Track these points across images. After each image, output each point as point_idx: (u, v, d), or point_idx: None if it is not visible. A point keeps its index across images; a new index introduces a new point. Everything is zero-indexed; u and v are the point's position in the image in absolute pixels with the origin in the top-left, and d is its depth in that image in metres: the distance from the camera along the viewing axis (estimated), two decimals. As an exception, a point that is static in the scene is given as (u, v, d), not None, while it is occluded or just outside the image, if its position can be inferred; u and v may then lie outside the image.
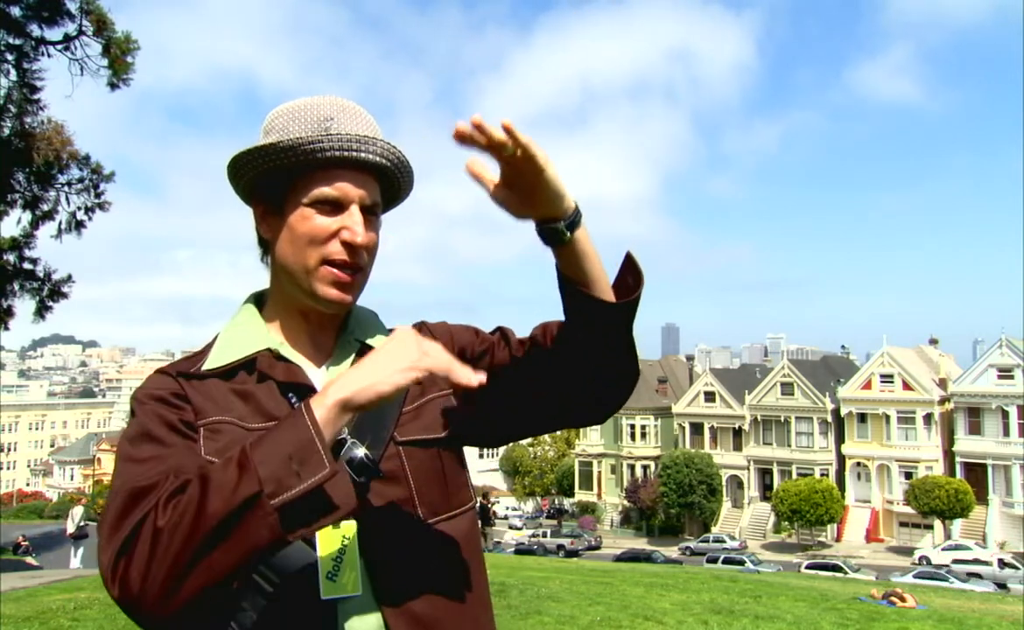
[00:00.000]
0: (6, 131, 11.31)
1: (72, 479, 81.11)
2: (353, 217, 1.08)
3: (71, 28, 11.29)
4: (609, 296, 1.11)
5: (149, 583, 0.84)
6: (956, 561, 34.01)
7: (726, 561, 34.61)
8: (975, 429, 41.75)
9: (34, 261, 12.36)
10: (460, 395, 1.19)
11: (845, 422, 45.15)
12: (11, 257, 12.12)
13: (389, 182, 1.16)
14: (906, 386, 43.41)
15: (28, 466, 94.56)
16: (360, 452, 1.03)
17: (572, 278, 1.09)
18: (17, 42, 11.11)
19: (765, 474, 47.63)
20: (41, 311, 12.36)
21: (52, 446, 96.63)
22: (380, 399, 0.92)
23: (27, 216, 12.02)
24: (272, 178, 1.10)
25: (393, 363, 0.94)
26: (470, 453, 1.65)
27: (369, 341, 1.20)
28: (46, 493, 74.17)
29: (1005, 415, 40.60)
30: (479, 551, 1.19)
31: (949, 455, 42.51)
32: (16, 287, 12.20)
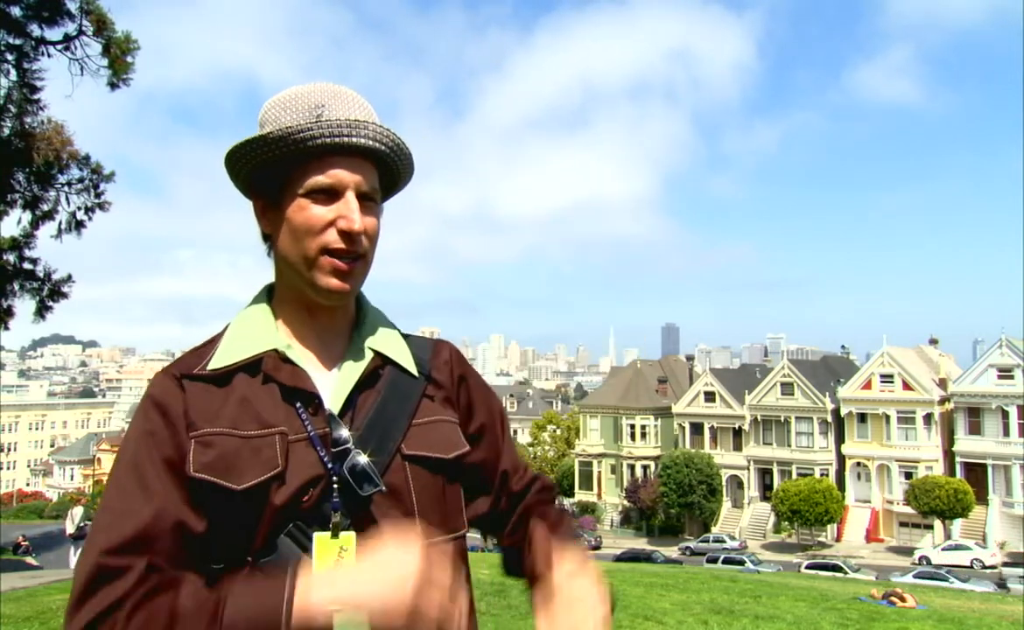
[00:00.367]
0: (6, 131, 11.30)
1: (72, 479, 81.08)
2: (349, 204, 1.06)
3: (71, 28, 11.28)
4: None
5: None
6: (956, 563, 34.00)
7: (726, 561, 34.61)
8: (975, 429, 41.72)
9: (34, 261, 12.34)
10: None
11: (845, 422, 45.13)
12: (11, 257, 12.10)
13: (387, 168, 1.13)
14: (906, 386, 43.40)
15: (28, 466, 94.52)
16: (363, 460, 1.03)
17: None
18: (17, 42, 11.09)
19: (765, 474, 47.62)
20: (41, 311, 12.35)
21: (52, 446, 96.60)
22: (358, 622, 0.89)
23: (27, 216, 12.01)
24: (267, 171, 1.08)
25: (390, 600, 0.87)
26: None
27: (381, 349, 1.16)
28: (46, 493, 74.16)
29: (1005, 415, 40.58)
30: (467, 579, 1.17)
31: (949, 455, 42.49)
32: (16, 287, 12.18)
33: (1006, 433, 40.46)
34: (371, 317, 1.20)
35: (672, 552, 41.02)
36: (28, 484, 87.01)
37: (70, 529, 18.53)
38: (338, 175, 1.06)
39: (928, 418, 42.80)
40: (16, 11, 11.00)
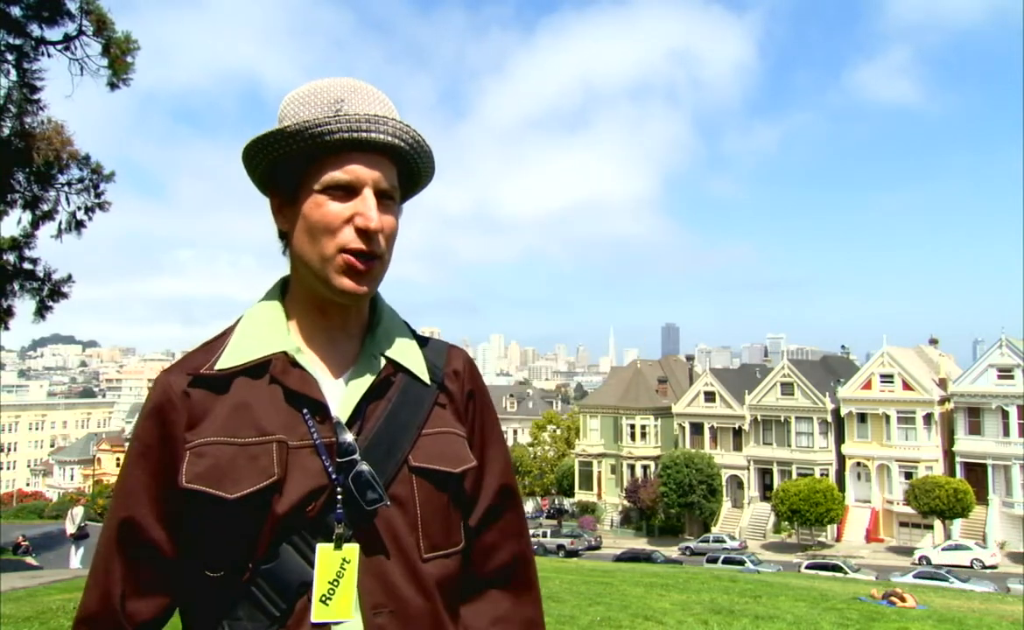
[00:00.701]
0: (6, 131, 11.30)
1: (72, 479, 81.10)
2: (366, 201, 1.03)
3: (71, 28, 11.28)
4: None
5: None
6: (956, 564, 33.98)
7: (726, 561, 34.60)
8: (975, 429, 41.72)
9: (34, 261, 12.34)
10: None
11: (845, 422, 45.12)
12: (11, 257, 12.10)
13: (406, 165, 1.10)
14: (906, 386, 43.40)
15: (28, 466, 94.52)
16: (367, 471, 1.02)
17: None
18: (17, 42, 11.08)
19: (765, 474, 47.61)
20: (41, 311, 12.34)
21: (52, 446, 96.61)
22: None
23: (27, 216, 12.00)
24: (285, 166, 1.06)
25: None
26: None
27: (394, 356, 1.13)
28: (46, 493, 74.14)
29: (1005, 415, 40.57)
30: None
31: (949, 455, 42.48)
32: (16, 287, 12.17)
33: (1006, 433, 40.45)
34: (385, 320, 1.17)
35: (672, 552, 41.01)
36: (28, 484, 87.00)
37: (70, 529, 18.52)
38: (356, 171, 1.03)
39: (928, 418, 42.79)
40: (16, 11, 10.99)
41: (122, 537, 1.05)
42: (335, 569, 1.00)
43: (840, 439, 45.44)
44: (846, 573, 30.63)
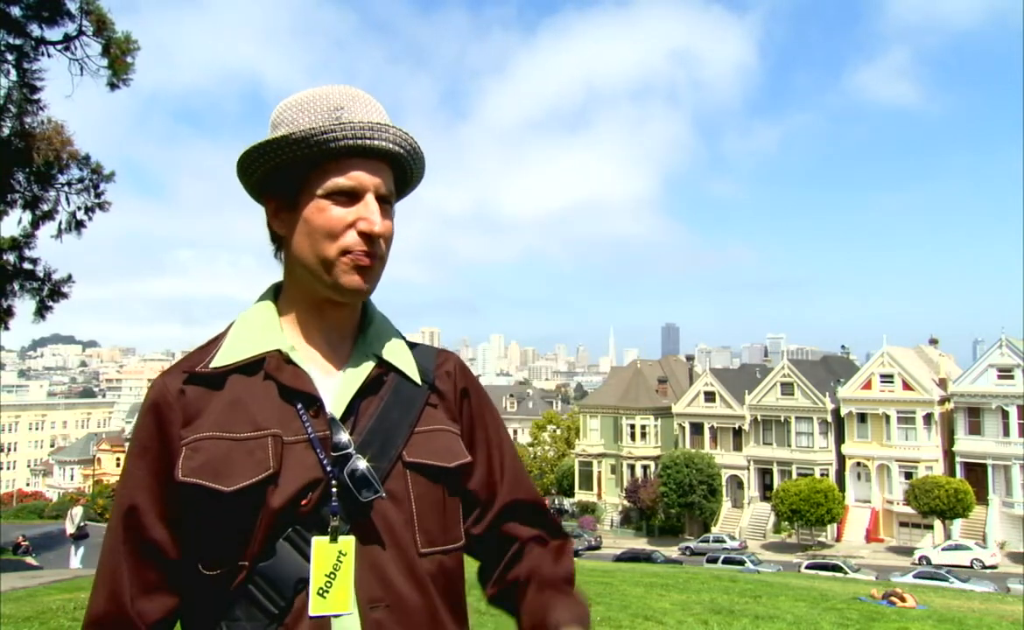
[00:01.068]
0: (6, 131, 11.30)
1: (72, 479, 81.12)
2: (369, 206, 1.07)
3: (71, 28, 11.28)
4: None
5: None
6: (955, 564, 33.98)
7: (726, 561, 34.61)
8: (975, 429, 41.72)
9: (34, 261, 12.34)
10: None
11: (845, 422, 45.13)
12: (11, 257, 12.10)
13: (401, 170, 1.14)
14: (906, 386, 43.40)
15: (28, 466, 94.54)
16: (362, 465, 1.02)
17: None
18: (17, 42, 11.08)
19: (765, 474, 47.61)
20: (41, 311, 12.34)
21: (52, 446, 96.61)
22: None
23: (27, 216, 12.00)
24: (284, 172, 1.08)
25: None
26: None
27: (386, 356, 1.15)
28: (46, 493, 74.17)
29: (1005, 415, 40.58)
30: (463, 590, 1.16)
31: (949, 455, 42.49)
32: (16, 287, 12.18)
33: (1006, 433, 40.46)
34: (376, 323, 1.20)
35: (672, 552, 41.02)
36: (28, 484, 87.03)
37: (70, 529, 18.50)
38: (359, 177, 1.07)
39: (928, 418, 42.80)
40: (16, 11, 11.00)
41: (127, 529, 1.06)
42: (331, 562, 1.00)
43: (840, 439, 45.44)
44: (846, 573, 30.65)
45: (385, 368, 1.14)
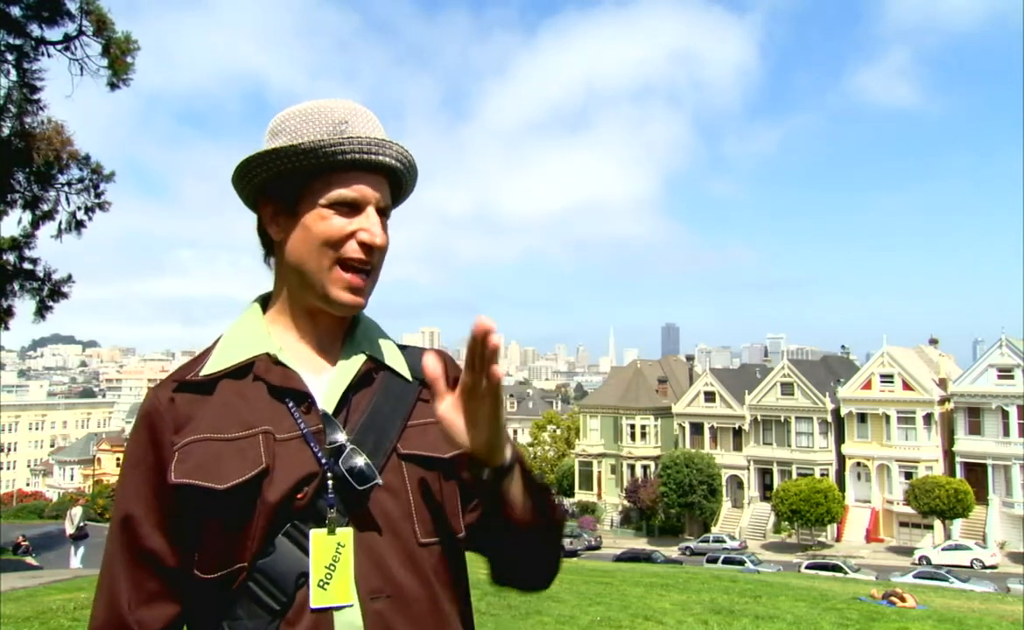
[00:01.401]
0: (6, 131, 11.30)
1: (72, 479, 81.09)
2: (370, 218, 1.11)
3: (71, 28, 11.29)
4: (528, 521, 1.12)
5: None
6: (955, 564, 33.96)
7: (726, 561, 34.61)
8: (975, 429, 41.72)
9: (34, 261, 12.35)
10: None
11: (845, 422, 45.12)
12: (11, 257, 12.11)
13: (397, 183, 1.18)
14: (906, 386, 43.40)
15: (28, 466, 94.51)
16: (360, 461, 1.03)
17: (494, 510, 1.11)
18: (17, 42, 11.09)
19: (765, 474, 47.61)
20: (41, 311, 12.35)
21: (52, 446, 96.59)
22: None
23: (27, 216, 12.02)
24: (286, 179, 1.11)
25: None
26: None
27: (375, 354, 1.17)
28: (46, 493, 74.13)
29: (1005, 415, 40.58)
30: (466, 581, 1.17)
31: (949, 455, 42.49)
32: (16, 287, 12.19)
33: (1006, 433, 40.46)
34: (364, 324, 1.22)
35: (672, 552, 41.01)
36: (28, 484, 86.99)
37: (70, 529, 18.50)
38: (363, 190, 1.11)
39: (928, 418, 42.80)
40: (16, 11, 11.01)
41: (124, 539, 1.07)
42: (330, 554, 1.01)
43: (840, 439, 45.44)
44: (846, 573, 30.64)
45: (375, 365, 1.16)
